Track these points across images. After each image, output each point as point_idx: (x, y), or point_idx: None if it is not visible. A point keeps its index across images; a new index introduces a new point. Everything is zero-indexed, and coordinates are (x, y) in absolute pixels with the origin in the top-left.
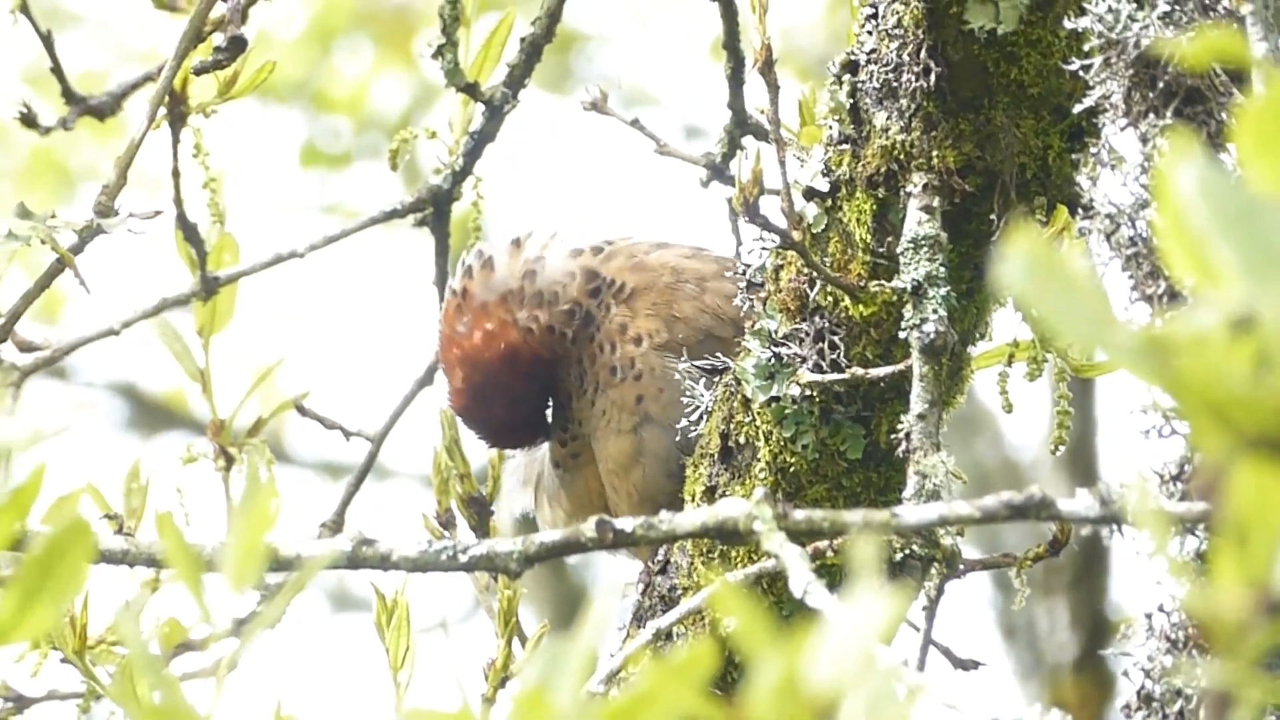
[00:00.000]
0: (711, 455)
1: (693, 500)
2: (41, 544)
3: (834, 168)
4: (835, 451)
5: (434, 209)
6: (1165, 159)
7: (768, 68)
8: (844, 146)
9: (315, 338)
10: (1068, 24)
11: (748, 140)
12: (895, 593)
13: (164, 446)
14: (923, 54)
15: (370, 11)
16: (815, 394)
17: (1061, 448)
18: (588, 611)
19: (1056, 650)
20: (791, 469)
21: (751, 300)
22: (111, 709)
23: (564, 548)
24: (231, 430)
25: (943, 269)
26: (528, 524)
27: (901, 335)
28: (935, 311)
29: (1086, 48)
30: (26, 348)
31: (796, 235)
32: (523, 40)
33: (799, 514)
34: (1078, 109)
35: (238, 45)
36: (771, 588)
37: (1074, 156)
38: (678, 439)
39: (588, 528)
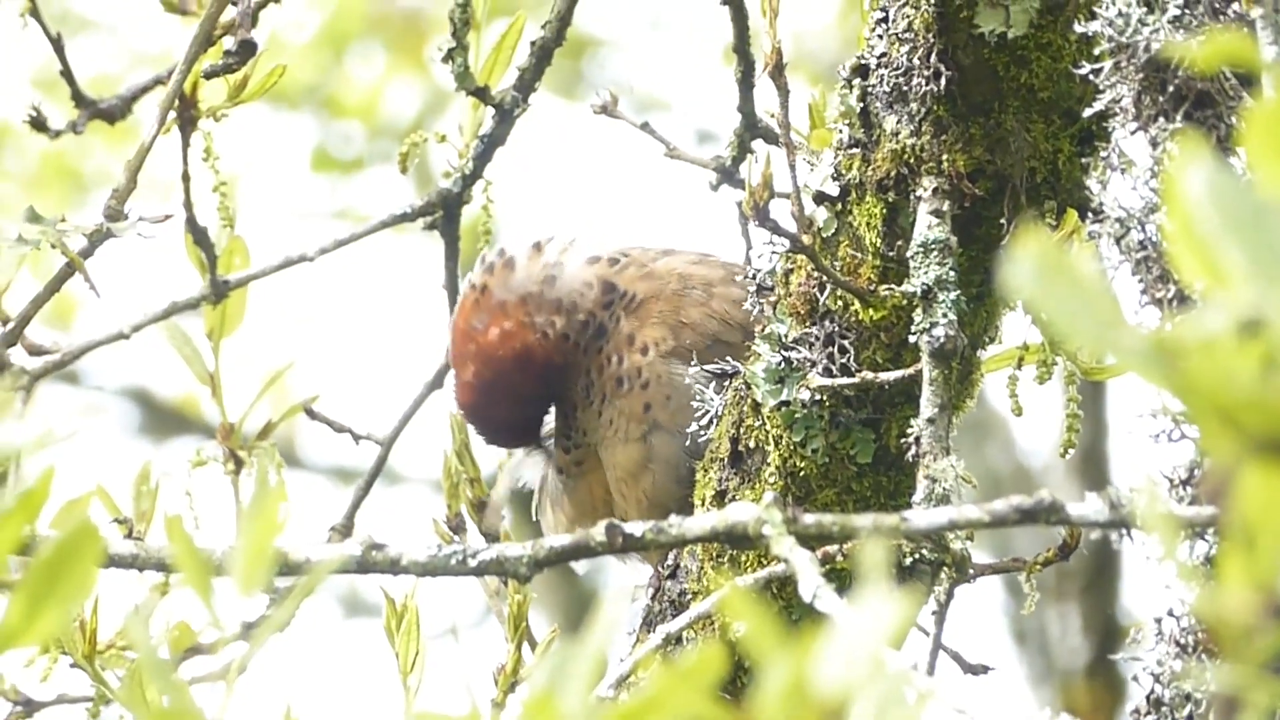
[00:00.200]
0: (721, 459)
1: (702, 505)
2: (50, 548)
3: (844, 171)
4: (845, 456)
5: (444, 213)
6: (1175, 163)
7: (778, 71)
8: (854, 150)
9: (325, 342)
10: (1078, 28)
11: (758, 144)
12: (905, 597)
13: (176, 451)
14: (933, 58)
15: (382, 16)
16: (825, 398)
17: (1071, 451)
18: (597, 616)
19: (1069, 656)
20: (801, 473)
21: (761, 304)
22: (121, 713)
23: (573, 552)
24: (241, 434)
25: (953, 273)
26: (533, 529)
27: (911, 339)
28: (945, 315)
29: (1097, 52)
30: (36, 351)
31: (806, 239)
32: (533, 44)
33: (809, 518)
34: (1088, 113)
35: (248, 49)
36: (781, 592)
37: (1084, 160)
38: (687, 444)
39: (597, 532)
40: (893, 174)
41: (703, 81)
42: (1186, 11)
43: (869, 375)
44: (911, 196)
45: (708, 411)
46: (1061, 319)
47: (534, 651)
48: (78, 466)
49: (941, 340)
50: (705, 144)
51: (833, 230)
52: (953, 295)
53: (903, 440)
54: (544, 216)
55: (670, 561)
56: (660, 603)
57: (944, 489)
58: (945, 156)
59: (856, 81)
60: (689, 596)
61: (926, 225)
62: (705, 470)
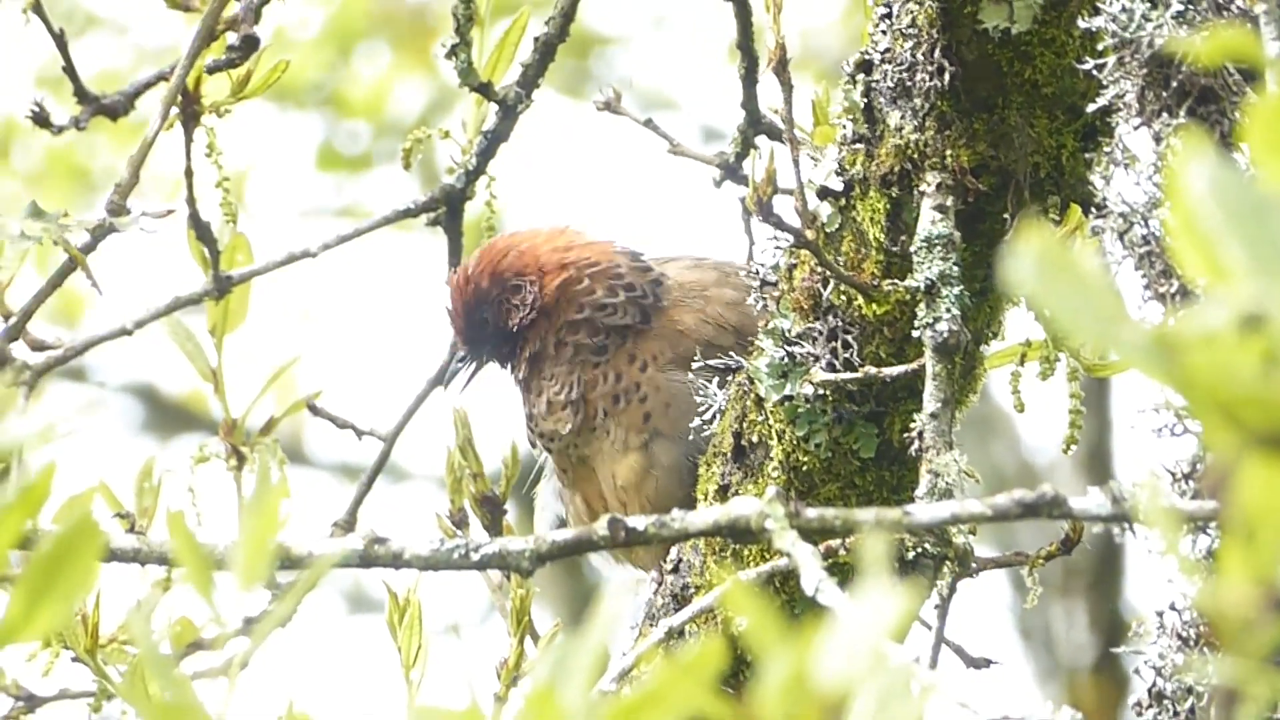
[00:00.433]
0: (724, 454)
1: (705, 499)
2: (50, 543)
3: (848, 167)
4: (848, 450)
5: (447, 208)
6: (1178, 158)
7: (781, 68)
8: (858, 146)
9: (329, 338)
10: (1082, 23)
11: (761, 140)
12: (907, 591)
13: (182, 448)
14: (937, 53)
15: (388, 14)
16: (828, 393)
17: (1074, 448)
18: (599, 610)
19: (1074, 652)
20: (804, 467)
21: (765, 299)
22: (123, 708)
23: (576, 546)
24: (244, 430)
25: (956, 268)
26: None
27: (915, 334)
28: (948, 310)
29: (1100, 47)
30: (39, 347)
31: (810, 234)
32: (536, 40)
33: (811, 512)
34: (1091, 108)
35: (250, 44)
36: (784, 586)
37: (1087, 156)
38: (690, 439)
39: (600, 526)
40: (896, 169)
41: (708, 79)
42: (1190, 7)
43: (872, 370)
44: (915, 192)
45: (710, 406)
46: (1064, 315)
47: (537, 646)
48: (82, 462)
49: (945, 335)
50: (711, 141)
51: (836, 226)
52: (956, 290)
53: (906, 435)
54: (548, 212)
55: (673, 556)
56: (662, 596)
57: (947, 483)
58: (949, 152)
59: (860, 77)
60: (691, 591)
61: (930, 220)
62: (708, 465)
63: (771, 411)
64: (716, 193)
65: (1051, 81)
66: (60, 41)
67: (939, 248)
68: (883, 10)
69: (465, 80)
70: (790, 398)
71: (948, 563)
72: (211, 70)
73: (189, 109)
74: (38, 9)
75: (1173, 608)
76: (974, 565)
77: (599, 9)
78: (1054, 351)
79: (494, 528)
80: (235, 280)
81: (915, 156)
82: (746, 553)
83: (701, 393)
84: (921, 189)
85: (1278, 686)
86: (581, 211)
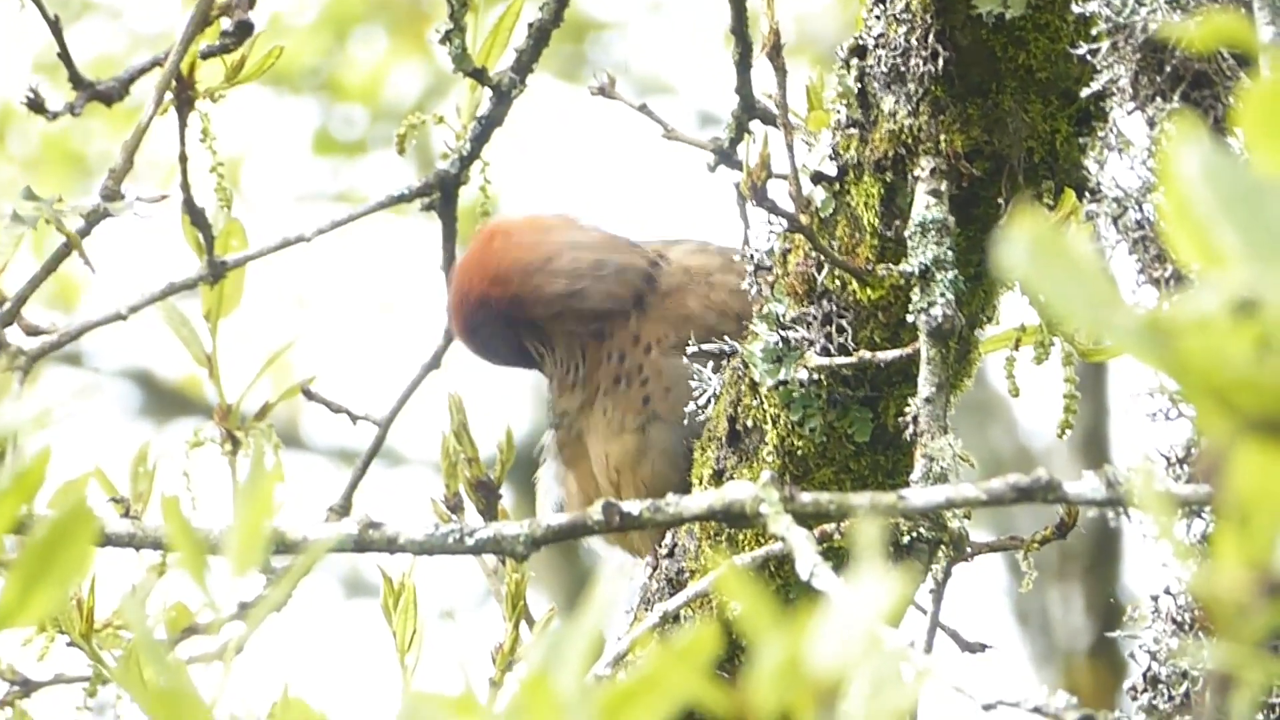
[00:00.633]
0: (719, 438)
1: (700, 483)
2: (45, 528)
3: (842, 152)
4: (843, 434)
5: (441, 194)
6: (1172, 143)
7: (775, 52)
8: (852, 131)
9: (324, 323)
10: (1075, 8)
11: (755, 125)
12: (902, 575)
13: (177, 432)
14: (931, 38)
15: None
16: (823, 377)
17: (1069, 432)
18: (594, 594)
19: (1071, 636)
20: (799, 452)
21: (759, 284)
22: (118, 693)
23: (571, 531)
24: (239, 415)
25: (950, 253)
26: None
27: (909, 319)
28: (943, 295)
29: (1094, 32)
30: (33, 332)
31: (804, 219)
32: (531, 25)
33: (806, 497)
34: (1085, 93)
35: (245, 29)
36: (779, 571)
37: (1082, 140)
38: (685, 424)
39: (594, 511)
40: (890, 154)
41: (703, 64)
42: None
43: (867, 354)
44: (909, 176)
45: (705, 390)
46: (1057, 299)
47: (531, 630)
48: (77, 447)
49: (939, 320)
50: (707, 126)
51: (830, 210)
52: (950, 275)
53: (900, 419)
54: (542, 197)
55: (668, 540)
56: (658, 581)
57: (941, 467)
58: (943, 137)
59: (854, 62)
60: (686, 575)
61: (924, 205)
62: (703, 449)
63: (766, 396)
64: (711, 177)
65: (1046, 66)
66: (55, 27)
67: (933, 232)
68: None
69: (459, 66)
70: (785, 382)
71: (943, 547)
72: (206, 55)
73: (183, 94)
74: None
75: (1167, 592)
76: (969, 549)
77: None
78: (1049, 336)
79: (489, 512)
80: (230, 265)
81: (909, 141)
82: (741, 537)
83: (697, 377)
84: (915, 174)
85: (1272, 671)
86: (576, 196)
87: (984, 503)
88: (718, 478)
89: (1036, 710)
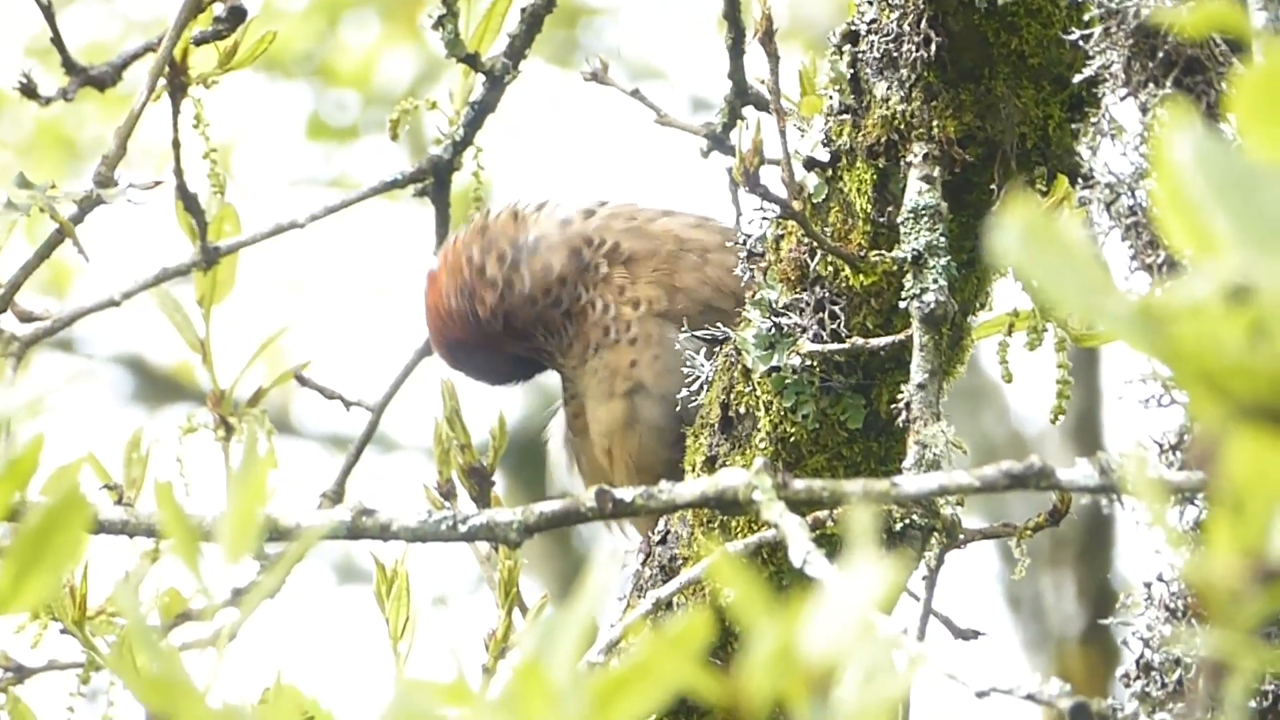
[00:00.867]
0: (712, 425)
1: (693, 470)
2: (38, 514)
3: (834, 138)
4: (835, 421)
5: (434, 179)
6: (1164, 128)
7: (768, 38)
8: (844, 116)
9: (317, 308)
10: None
11: (748, 110)
12: (895, 562)
13: (170, 419)
14: (923, 24)
15: None
16: (815, 364)
17: (1062, 418)
18: (587, 581)
19: (1063, 622)
20: (792, 439)
21: (752, 270)
22: (111, 679)
23: (564, 518)
24: (232, 401)
25: (943, 239)
26: (525, 494)
27: (902, 305)
28: (935, 281)
29: (1087, 18)
30: (26, 318)
31: (797, 205)
32: (523, 11)
33: (799, 484)
34: (1078, 79)
35: (237, 15)
36: (771, 558)
37: (1074, 126)
38: (676, 409)
39: (587, 497)
40: (883, 140)
41: (696, 49)
42: None
43: (859, 341)
44: (902, 162)
45: (698, 377)
46: (1050, 285)
47: (524, 617)
48: (70, 434)
49: (932, 306)
50: (700, 111)
51: (823, 196)
52: (943, 261)
53: (893, 406)
54: (535, 183)
55: (661, 527)
56: (650, 568)
57: (934, 454)
58: (935, 123)
59: (847, 48)
60: (679, 562)
61: (917, 191)
62: (695, 436)
63: (759, 383)
64: (704, 163)
65: (1038, 52)
66: (48, 12)
67: (926, 218)
68: None
69: (452, 51)
70: (777, 369)
71: (935, 534)
72: (199, 41)
73: (176, 80)
74: None
75: (1160, 579)
76: (962, 536)
77: None
78: (1042, 322)
79: (482, 499)
80: (223, 251)
81: (902, 127)
82: (734, 524)
83: (689, 363)
84: (908, 160)
85: (1265, 659)
86: (569, 181)
87: (977, 489)
88: (711, 464)
89: (1030, 697)
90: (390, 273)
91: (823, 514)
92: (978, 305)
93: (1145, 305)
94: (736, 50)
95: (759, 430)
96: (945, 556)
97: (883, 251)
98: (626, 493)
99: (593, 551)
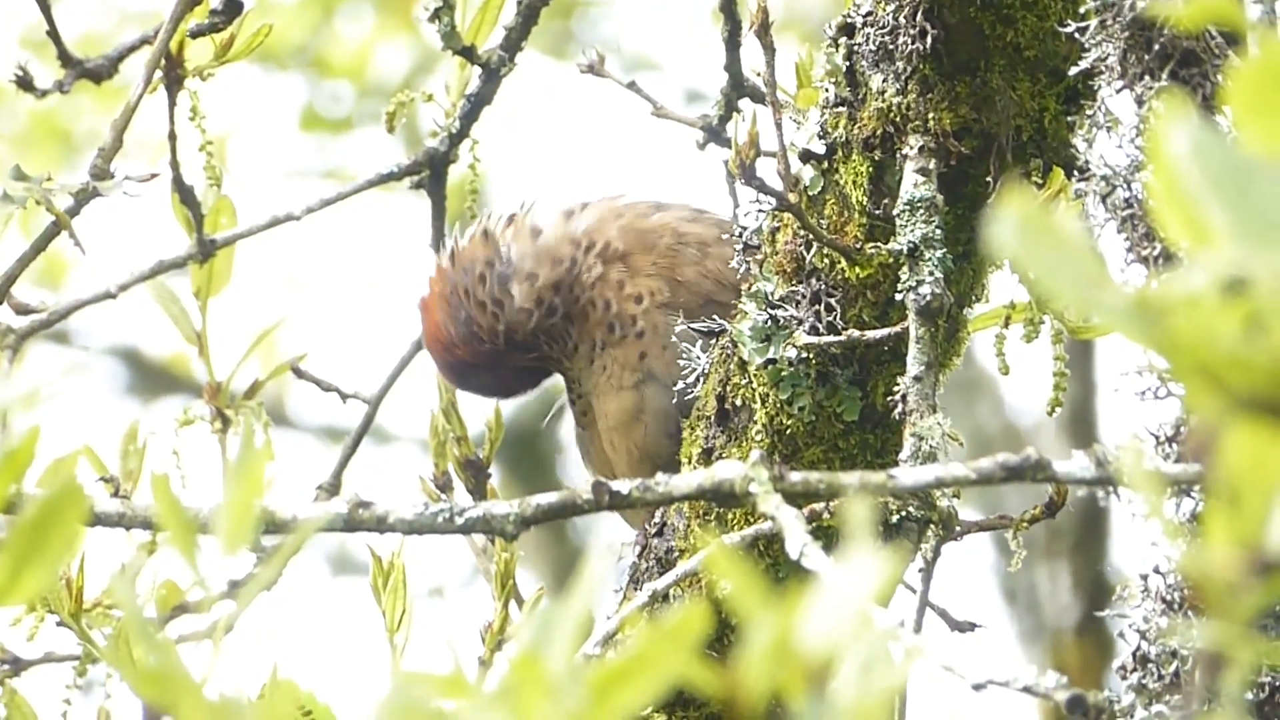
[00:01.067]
0: (708, 417)
1: (689, 462)
2: (35, 507)
3: (830, 130)
4: (832, 413)
5: (430, 172)
6: (1160, 121)
7: (764, 30)
8: (840, 109)
9: (313, 301)
10: None
11: (744, 103)
12: (891, 554)
13: (165, 410)
14: (919, 17)
15: None
16: (812, 356)
17: (1059, 410)
18: (583, 574)
19: (1059, 613)
20: (788, 431)
21: (748, 262)
22: (108, 671)
23: (560, 510)
24: (228, 393)
25: (939, 231)
26: (521, 487)
27: (898, 297)
28: (931, 273)
29: (1083, 10)
30: (23, 310)
31: (793, 197)
32: (520, 2)
33: (795, 476)
34: (1074, 71)
35: (234, 8)
36: (768, 550)
37: (1070, 119)
38: (686, 398)
39: (584, 490)
40: (879, 132)
41: (692, 41)
42: None
43: (855, 333)
44: (898, 155)
45: (695, 369)
46: (1046, 277)
47: (521, 610)
48: (66, 426)
49: (927, 298)
50: (694, 103)
51: (819, 189)
52: (939, 253)
53: (889, 398)
54: (531, 175)
55: (657, 519)
56: (647, 560)
57: (930, 446)
58: (931, 115)
59: (842, 40)
60: (676, 554)
61: (913, 183)
62: (692, 428)
63: (755, 375)
64: (700, 155)
65: (1034, 44)
66: (44, 4)
67: (921, 211)
68: None
69: (448, 44)
70: (773, 361)
71: (932, 526)
72: (195, 34)
73: (172, 73)
74: None
75: (1157, 571)
76: (958, 528)
77: None
78: (1038, 314)
79: (478, 491)
80: (219, 243)
81: (897, 120)
82: (730, 516)
83: (685, 355)
84: (904, 152)
85: (1262, 651)
86: (565, 173)
87: (973, 482)
88: (707, 456)
89: (1026, 690)
90: (386, 265)
91: (819, 506)
92: (974, 298)
93: (1141, 297)
94: (732, 43)
95: (755, 422)
96: (941, 548)
97: (879, 244)
98: (623, 485)
99: (589, 544)
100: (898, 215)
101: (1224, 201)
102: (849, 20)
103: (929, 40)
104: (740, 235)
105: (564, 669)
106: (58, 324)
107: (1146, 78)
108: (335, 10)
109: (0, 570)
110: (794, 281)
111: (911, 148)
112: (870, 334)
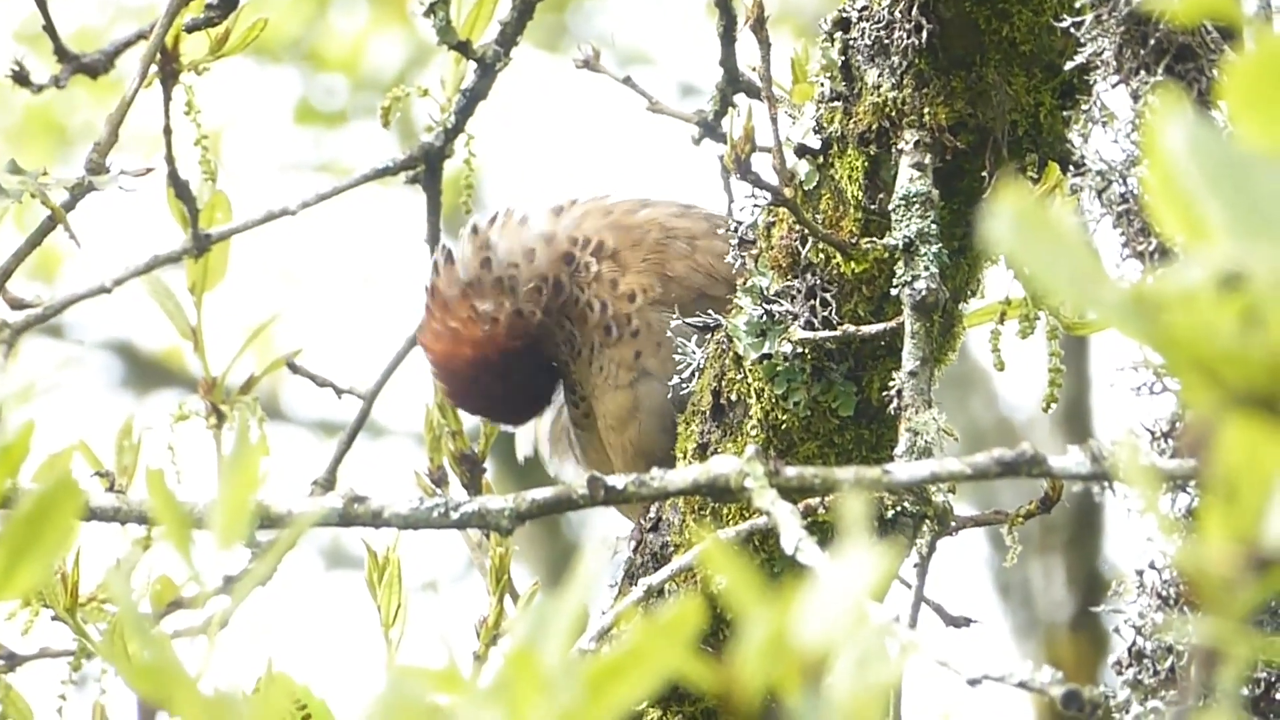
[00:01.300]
0: (703, 412)
1: (685, 457)
2: (30, 501)
3: (826, 125)
4: (827, 408)
5: (426, 166)
6: (1156, 116)
7: (759, 25)
8: (836, 104)
9: (308, 295)
10: None
11: (740, 98)
12: (887, 550)
13: (160, 405)
14: (914, 11)
15: None
16: (807, 351)
17: (1054, 406)
18: (578, 569)
19: (1053, 608)
20: (783, 426)
21: (743, 257)
22: (103, 666)
23: (556, 505)
24: (224, 388)
25: (934, 226)
26: (516, 482)
27: (893, 292)
28: (927, 268)
29: (1078, 4)
30: (18, 305)
31: (788, 192)
32: None
33: (790, 471)
34: (1069, 66)
35: (229, 2)
36: (763, 545)
37: (1065, 113)
38: (681, 393)
39: (579, 485)
40: (874, 127)
41: (687, 36)
42: None
43: (851, 328)
44: (893, 150)
45: (690, 364)
46: (1042, 273)
47: (516, 604)
48: (61, 420)
49: (923, 293)
50: (689, 98)
51: (814, 183)
52: (934, 248)
53: (885, 393)
54: (526, 170)
55: (652, 514)
56: (642, 555)
57: (926, 442)
58: (927, 110)
59: (838, 35)
60: (671, 549)
61: (908, 178)
62: (687, 423)
63: (750, 370)
64: (695, 150)
65: (1029, 39)
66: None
67: (917, 205)
68: None
69: (444, 38)
70: (769, 356)
71: (927, 521)
72: (190, 29)
73: (168, 67)
74: None
75: (1152, 566)
76: (953, 524)
77: None
78: (1033, 310)
79: (473, 486)
80: (214, 238)
81: (893, 114)
82: (726, 511)
83: (681, 350)
84: (899, 147)
85: (1258, 647)
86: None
87: (969, 477)
88: (702, 452)
89: (1021, 685)
90: (381, 260)
91: (814, 501)
92: (969, 293)
93: (1137, 293)
94: (727, 37)
95: (750, 417)
96: (937, 544)
97: (874, 239)
98: (618, 480)
99: (584, 539)
100: (893, 210)
101: (1220, 196)
102: (844, 15)
103: (924, 35)
104: (735, 230)
105: (559, 664)
106: (53, 318)
107: (1142, 72)
108: (330, 4)
109: None
110: (789, 276)
111: (907, 142)
112: (865, 329)
